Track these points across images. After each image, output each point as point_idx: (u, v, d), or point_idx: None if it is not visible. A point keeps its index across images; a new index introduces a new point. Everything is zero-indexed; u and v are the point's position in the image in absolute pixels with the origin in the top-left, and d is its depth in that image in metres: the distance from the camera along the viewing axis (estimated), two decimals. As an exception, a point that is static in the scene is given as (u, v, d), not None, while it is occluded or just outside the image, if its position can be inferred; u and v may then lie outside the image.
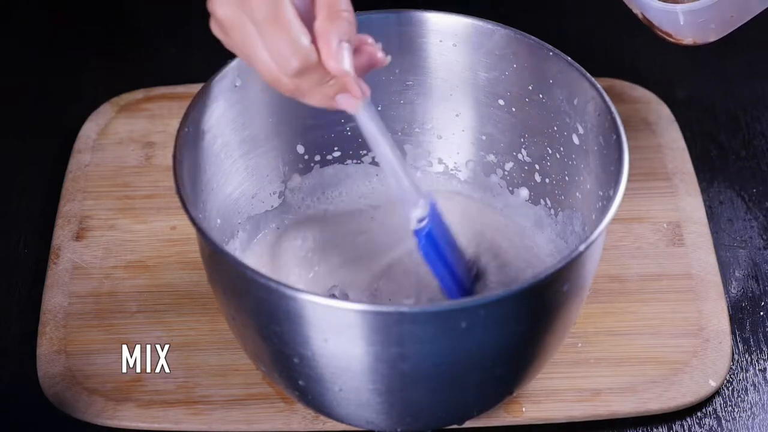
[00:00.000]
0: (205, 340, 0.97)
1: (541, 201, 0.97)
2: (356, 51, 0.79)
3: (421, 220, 0.86)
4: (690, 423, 0.93)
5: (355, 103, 0.80)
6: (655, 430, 0.93)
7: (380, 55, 0.80)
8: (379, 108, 0.98)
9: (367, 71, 0.80)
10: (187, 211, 0.82)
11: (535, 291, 0.80)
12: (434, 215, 0.86)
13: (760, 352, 0.97)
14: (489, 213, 0.99)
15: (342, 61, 0.77)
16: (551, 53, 0.91)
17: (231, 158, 0.93)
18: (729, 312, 0.99)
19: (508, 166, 0.99)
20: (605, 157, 0.88)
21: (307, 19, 0.78)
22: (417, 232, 0.86)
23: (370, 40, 0.80)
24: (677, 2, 0.93)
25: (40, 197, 1.08)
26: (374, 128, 0.82)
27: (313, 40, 0.77)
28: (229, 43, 0.80)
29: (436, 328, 0.79)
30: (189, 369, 0.95)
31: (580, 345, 0.96)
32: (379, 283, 0.94)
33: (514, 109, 0.96)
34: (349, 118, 0.97)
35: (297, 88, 0.79)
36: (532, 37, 0.92)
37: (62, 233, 1.04)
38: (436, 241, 0.86)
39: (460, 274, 0.89)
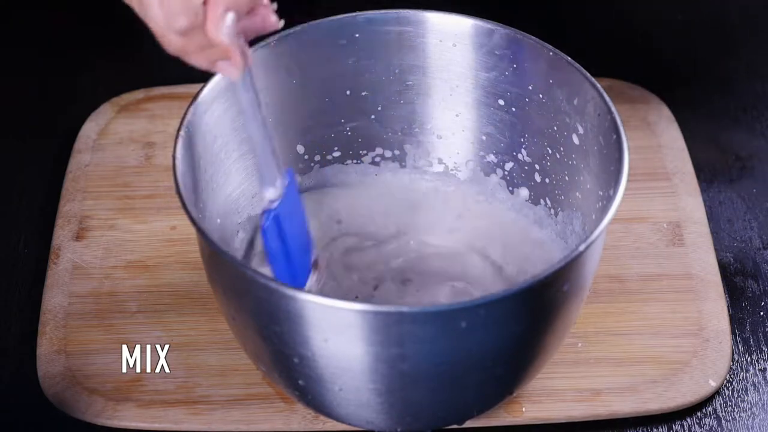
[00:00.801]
0: (205, 340, 0.97)
1: (541, 201, 0.97)
2: (250, 12, 0.78)
3: (272, 201, 0.86)
4: (690, 423, 0.93)
5: (236, 72, 0.80)
6: (655, 430, 0.93)
7: (273, 18, 0.79)
8: (379, 108, 0.98)
9: (259, 33, 0.80)
10: (187, 211, 0.82)
11: (535, 291, 0.80)
12: (288, 201, 0.86)
13: (760, 352, 0.97)
14: (489, 213, 0.99)
15: (220, 30, 0.77)
16: (551, 53, 0.91)
17: (231, 158, 0.93)
18: (729, 312, 0.99)
19: (508, 166, 0.99)
20: (605, 157, 0.88)
21: None
22: (266, 212, 0.86)
23: (265, 1, 0.79)
24: None
25: (40, 197, 1.08)
26: (250, 100, 0.82)
27: (204, 2, 0.77)
28: None
29: (436, 328, 0.79)
30: (189, 369, 0.95)
31: (580, 345, 0.96)
32: (379, 283, 0.94)
33: (514, 109, 0.96)
34: (349, 118, 0.98)
35: (183, 48, 0.79)
36: (532, 37, 0.92)
37: (62, 233, 1.04)
38: (281, 225, 0.86)
39: (296, 264, 0.89)
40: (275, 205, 0.86)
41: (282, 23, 0.81)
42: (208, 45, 0.78)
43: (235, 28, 0.77)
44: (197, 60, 0.80)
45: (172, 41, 0.79)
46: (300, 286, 0.90)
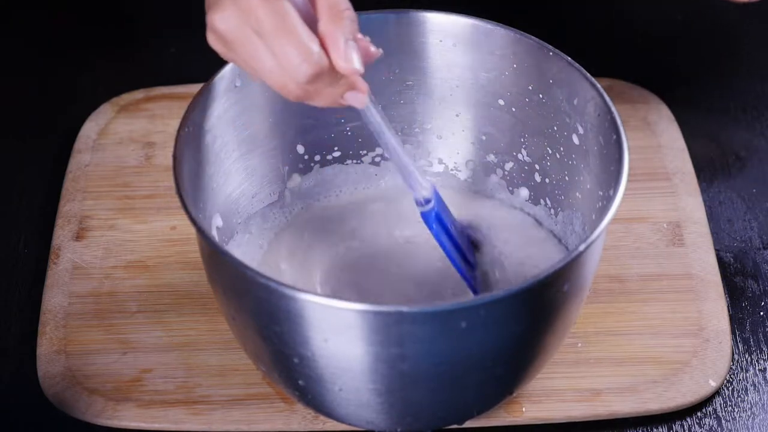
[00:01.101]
0: (205, 340, 0.97)
1: (541, 201, 0.97)
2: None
3: (427, 202, 0.89)
4: (690, 423, 0.93)
5: (364, 99, 0.81)
6: (655, 430, 0.93)
7: (373, 48, 0.80)
8: (379, 108, 0.98)
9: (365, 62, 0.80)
10: (187, 211, 0.82)
11: (535, 291, 0.80)
12: (438, 199, 0.90)
13: (760, 352, 0.97)
14: (489, 213, 0.99)
15: (352, 60, 0.78)
16: (551, 53, 0.91)
17: (231, 158, 0.93)
18: (729, 312, 0.99)
19: (508, 166, 0.99)
20: (605, 157, 0.88)
21: (309, 22, 0.78)
22: (425, 215, 0.89)
23: (359, 35, 0.80)
24: None
25: (40, 197, 1.08)
26: (380, 121, 0.84)
27: (320, 44, 0.77)
28: (229, 56, 0.80)
29: (436, 328, 0.79)
30: (189, 369, 0.95)
31: (580, 345, 0.96)
32: (379, 283, 0.95)
33: (514, 109, 0.96)
34: (349, 118, 0.98)
35: (306, 92, 0.79)
36: (532, 37, 0.92)
37: (62, 233, 1.04)
38: (443, 221, 0.89)
39: (464, 249, 0.92)
40: (431, 206, 0.89)
41: (381, 52, 0.81)
42: (332, 83, 0.78)
43: (359, 54, 0.78)
44: (322, 100, 0.80)
45: (294, 91, 0.78)
46: (473, 267, 0.93)
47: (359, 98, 0.81)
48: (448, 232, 0.90)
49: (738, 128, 1.14)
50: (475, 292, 0.92)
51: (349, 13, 0.78)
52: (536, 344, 0.85)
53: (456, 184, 1.01)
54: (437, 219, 0.89)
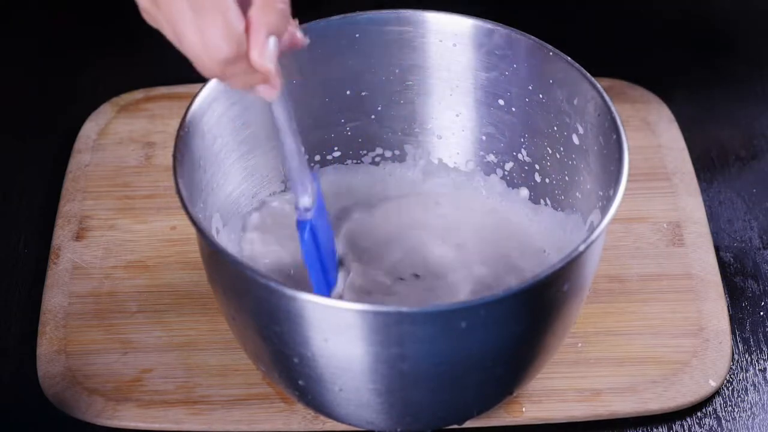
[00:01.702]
0: (205, 340, 0.97)
1: (541, 201, 0.97)
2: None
3: (307, 210, 0.87)
4: (690, 423, 0.93)
5: (274, 93, 0.80)
6: (655, 430, 0.93)
7: (299, 35, 0.79)
8: (379, 108, 0.98)
9: (286, 52, 0.80)
10: (187, 211, 0.82)
11: (535, 291, 0.80)
12: (320, 209, 0.89)
13: (760, 352, 0.97)
14: (488, 213, 0.99)
15: (265, 56, 0.76)
16: (551, 53, 0.91)
17: (231, 158, 0.93)
18: (729, 312, 0.99)
19: (508, 166, 0.99)
20: (605, 157, 0.88)
21: (243, 5, 0.76)
22: (301, 223, 0.87)
23: (292, 21, 0.79)
24: None
25: (40, 197, 1.08)
26: (285, 119, 0.83)
27: (245, 29, 0.76)
28: (154, 16, 0.78)
29: (436, 328, 0.79)
30: (189, 369, 0.95)
31: (580, 345, 0.96)
32: (380, 281, 0.94)
33: (514, 109, 0.96)
34: (349, 118, 0.98)
35: (221, 72, 0.78)
36: (532, 37, 0.92)
37: (62, 233, 1.04)
38: (315, 234, 0.88)
39: (328, 266, 0.91)
40: (310, 215, 0.87)
41: (308, 41, 0.81)
42: (249, 71, 0.77)
43: (277, 52, 0.77)
44: (234, 84, 0.79)
45: (208, 67, 0.77)
46: (331, 286, 0.92)
47: (269, 92, 0.80)
48: (317, 244, 0.88)
49: (738, 128, 1.14)
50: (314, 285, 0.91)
51: (283, 6, 0.77)
52: (536, 344, 0.85)
53: (456, 184, 1.01)
54: (311, 230, 0.87)
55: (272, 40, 0.77)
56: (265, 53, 0.76)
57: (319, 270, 0.90)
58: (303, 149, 0.85)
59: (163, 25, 0.78)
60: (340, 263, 0.94)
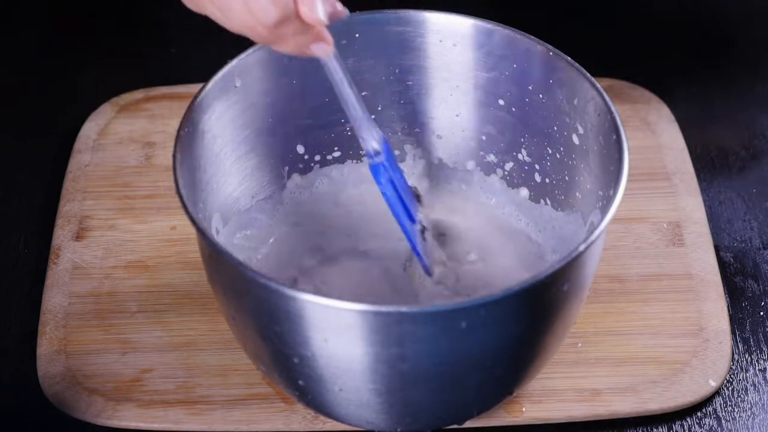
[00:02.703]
0: (205, 340, 0.97)
1: (541, 201, 0.97)
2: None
3: (377, 154, 0.90)
4: (690, 423, 0.93)
5: (328, 50, 0.83)
6: (655, 430, 0.93)
7: (340, 7, 0.81)
8: (379, 108, 0.98)
9: (329, 22, 0.81)
10: (187, 211, 0.82)
11: (535, 291, 0.80)
12: (388, 153, 0.91)
13: (760, 352, 0.97)
14: (489, 213, 0.99)
15: (316, 10, 0.79)
16: (551, 53, 0.91)
17: (231, 158, 0.93)
18: (729, 312, 0.99)
19: (508, 166, 0.99)
20: (605, 157, 0.88)
21: None
22: (374, 167, 0.91)
23: None
24: None
25: (40, 197, 1.08)
26: (342, 75, 0.86)
27: None
28: (197, 1, 0.80)
29: (436, 328, 0.79)
30: (189, 369, 0.95)
31: (580, 345, 0.96)
32: (379, 282, 0.95)
33: (514, 109, 0.96)
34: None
35: (274, 36, 0.80)
36: (532, 37, 0.92)
37: (62, 233, 1.04)
38: (390, 174, 0.91)
39: (408, 203, 0.93)
40: (381, 158, 0.90)
41: (347, 12, 0.82)
42: (299, 32, 0.80)
43: (324, 8, 0.79)
44: (287, 46, 0.81)
45: (261, 34, 0.79)
46: (415, 221, 0.93)
47: (323, 48, 0.82)
48: (394, 185, 0.91)
49: (738, 128, 1.14)
50: (414, 247, 0.93)
51: None
52: (536, 344, 0.85)
53: (456, 184, 1.01)
54: (385, 171, 0.91)
55: None
56: (315, 8, 0.78)
57: (402, 208, 0.92)
58: (361, 98, 0.88)
59: (208, 7, 0.80)
60: (418, 200, 0.96)
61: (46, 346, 0.96)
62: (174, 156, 0.85)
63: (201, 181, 0.89)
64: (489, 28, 0.93)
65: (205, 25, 0.80)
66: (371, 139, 0.89)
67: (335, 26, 0.93)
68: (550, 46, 0.91)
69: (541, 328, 0.83)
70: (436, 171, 1.01)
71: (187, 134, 0.87)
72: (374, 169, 0.91)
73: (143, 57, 1.22)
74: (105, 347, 0.96)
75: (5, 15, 1.26)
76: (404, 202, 0.92)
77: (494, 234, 0.98)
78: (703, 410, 0.94)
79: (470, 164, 1.00)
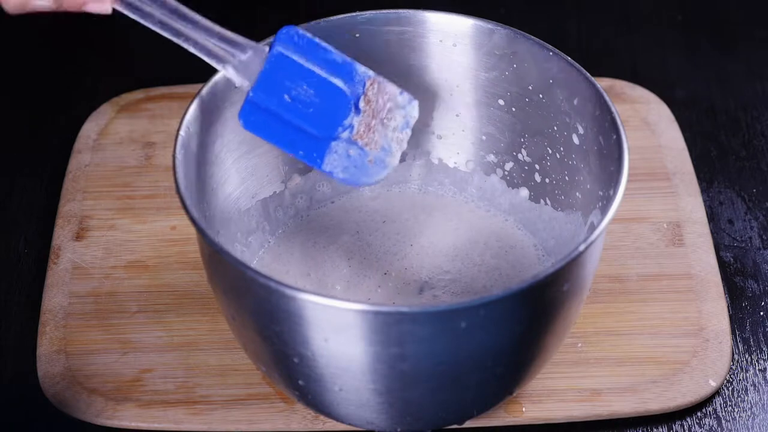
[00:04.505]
0: (205, 340, 0.97)
1: (541, 201, 0.97)
2: None
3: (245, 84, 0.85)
4: (690, 423, 0.93)
5: (106, 8, 0.82)
6: (655, 430, 0.93)
7: None
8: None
9: None
10: (187, 211, 0.82)
11: (535, 291, 0.80)
12: (274, 72, 0.85)
13: (760, 352, 0.97)
14: (488, 212, 0.99)
15: None
16: (551, 53, 0.91)
17: (231, 158, 0.93)
18: (729, 312, 0.99)
19: (508, 166, 0.99)
20: (605, 157, 0.88)
21: None
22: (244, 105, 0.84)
23: None
24: None
25: (40, 197, 1.08)
26: (142, 12, 0.84)
27: None
28: None
29: (436, 328, 0.79)
30: (189, 369, 0.95)
31: (580, 345, 0.96)
32: (380, 283, 0.95)
33: (514, 109, 0.96)
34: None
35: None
36: (532, 37, 0.92)
37: (62, 233, 1.04)
38: (265, 105, 0.86)
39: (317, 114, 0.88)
40: (248, 90, 0.84)
41: None
42: None
43: None
44: (68, 4, 0.78)
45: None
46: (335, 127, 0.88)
47: (100, 5, 0.81)
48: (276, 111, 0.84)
49: (738, 128, 1.14)
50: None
51: None
52: (536, 344, 0.85)
53: (456, 184, 1.01)
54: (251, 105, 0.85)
55: None
56: None
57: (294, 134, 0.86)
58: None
59: None
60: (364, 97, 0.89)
61: (46, 346, 0.96)
62: (174, 156, 0.85)
63: (201, 181, 0.89)
64: (489, 28, 0.93)
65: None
66: (230, 67, 0.84)
67: (336, 26, 0.93)
68: (550, 46, 0.91)
69: (541, 328, 0.83)
70: (435, 171, 1.01)
71: (187, 134, 0.87)
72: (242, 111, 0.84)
73: (143, 57, 1.22)
74: (105, 347, 0.96)
75: (5, 15, 1.26)
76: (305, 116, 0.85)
77: (494, 234, 0.98)
78: (703, 410, 0.94)
79: (470, 164, 1.00)
